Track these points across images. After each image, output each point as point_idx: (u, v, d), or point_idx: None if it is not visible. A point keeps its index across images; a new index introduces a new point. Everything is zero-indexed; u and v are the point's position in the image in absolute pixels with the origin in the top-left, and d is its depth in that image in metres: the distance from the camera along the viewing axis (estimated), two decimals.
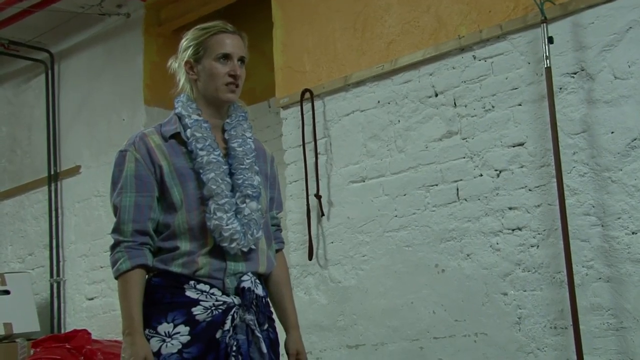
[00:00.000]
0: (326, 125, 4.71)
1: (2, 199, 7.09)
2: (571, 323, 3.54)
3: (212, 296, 2.35)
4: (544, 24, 3.71)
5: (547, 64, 3.69)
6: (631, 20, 3.56)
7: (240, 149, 2.49)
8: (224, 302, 2.36)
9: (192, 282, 2.36)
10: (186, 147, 2.44)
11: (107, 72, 6.24)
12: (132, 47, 6.07)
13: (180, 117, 2.49)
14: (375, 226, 4.41)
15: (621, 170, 3.53)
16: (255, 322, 2.40)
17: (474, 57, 4.09)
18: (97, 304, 6.10)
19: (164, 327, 2.33)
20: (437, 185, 4.17)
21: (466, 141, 4.08)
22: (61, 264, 6.47)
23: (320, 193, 4.65)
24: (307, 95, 4.75)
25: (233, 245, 2.37)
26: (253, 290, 2.41)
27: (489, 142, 3.99)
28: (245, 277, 2.41)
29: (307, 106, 4.76)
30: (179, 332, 2.32)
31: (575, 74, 3.71)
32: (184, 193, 2.39)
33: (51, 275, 6.46)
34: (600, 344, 3.53)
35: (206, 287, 2.36)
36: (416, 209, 4.24)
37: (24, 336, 5.85)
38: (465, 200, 4.06)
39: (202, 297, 2.35)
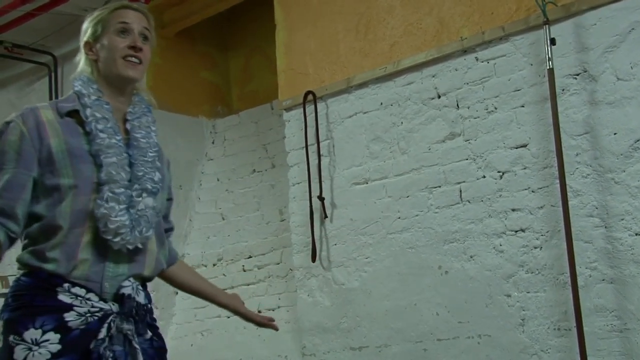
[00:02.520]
0: (329, 127, 4.71)
1: None
2: (575, 324, 3.54)
3: (88, 302, 2.11)
4: (546, 26, 3.71)
5: (549, 66, 3.69)
6: (634, 22, 3.56)
7: (144, 140, 2.28)
8: (101, 309, 2.12)
9: (66, 285, 2.10)
10: (83, 128, 2.20)
11: None
12: None
13: (79, 96, 2.24)
14: (378, 228, 4.41)
15: (624, 171, 3.53)
16: (134, 332, 2.17)
17: (477, 59, 4.09)
18: None
19: (31, 334, 2.06)
20: (440, 186, 4.17)
21: (469, 143, 4.08)
22: None
23: (323, 195, 4.65)
24: (310, 97, 4.75)
25: (117, 239, 2.14)
26: (134, 298, 2.17)
27: (491, 144, 3.99)
28: (126, 283, 2.18)
29: (309, 108, 4.76)
30: (48, 340, 2.06)
31: (577, 75, 3.71)
32: (75, 176, 2.15)
33: None
34: (604, 345, 3.52)
35: (82, 291, 2.11)
36: (419, 210, 4.24)
37: None
38: (469, 201, 4.05)
39: (76, 302, 2.10)
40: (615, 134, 3.57)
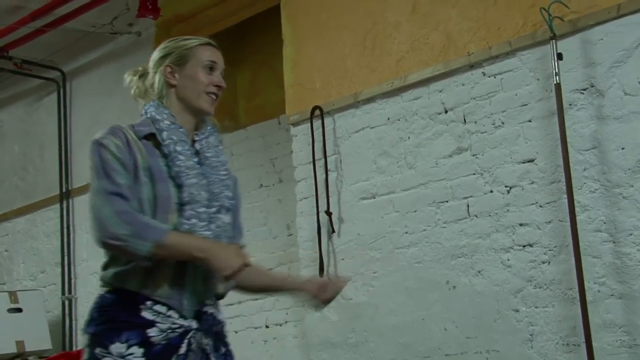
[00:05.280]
0: (336, 142, 4.72)
1: (14, 217, 7.12)
2: (584, 340, 3.52)
3: (169, 319, 2.24)
4: (553, 41, 3.71)
5: (556, 81, 3.70)
6: None
7: (215, 159, 2.40)
8: (181, 326, 2.25)
9: (148, 303, 2.23)
10: (160, 150, 2.32)
11: (119, 90, 6.21)
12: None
13: (154, 121, 2.36)
14: (385, 243, 4.40)
15: (632, 186, 3.52)
16: (212, 346, 2.31)
17: (484, 74, 4.10)
18: None
19: (117, 347, 2.19)
20: (447, 201, 4.17)
21: (476, 157, 4.08)
22: (73, 281, 6.50)
23: (331, 210, 4.65)
24: (317, 112, 4.76)
25: None
26: (213, 314, 2.33)
27: (499, 159, 3.99)
28: (208, 302, 2.33)
29: (317, 123, 4.77)
30: (132, 354, 2.18)
31: (584, 90, 3.71)
32: (153, 194, 2.26)
33: (63, 293, 6.49)
34: None
35: (163, 309, 2.24)
36: (427, 225, 4.24)
37: (36, 354, 5.86)
38: (476, 216, 4.05)
39: (158, 319, 2.23)
40: (623, 148, 3.56)
